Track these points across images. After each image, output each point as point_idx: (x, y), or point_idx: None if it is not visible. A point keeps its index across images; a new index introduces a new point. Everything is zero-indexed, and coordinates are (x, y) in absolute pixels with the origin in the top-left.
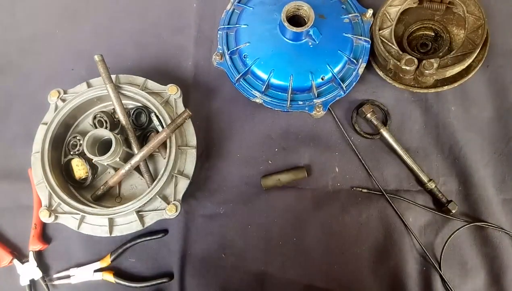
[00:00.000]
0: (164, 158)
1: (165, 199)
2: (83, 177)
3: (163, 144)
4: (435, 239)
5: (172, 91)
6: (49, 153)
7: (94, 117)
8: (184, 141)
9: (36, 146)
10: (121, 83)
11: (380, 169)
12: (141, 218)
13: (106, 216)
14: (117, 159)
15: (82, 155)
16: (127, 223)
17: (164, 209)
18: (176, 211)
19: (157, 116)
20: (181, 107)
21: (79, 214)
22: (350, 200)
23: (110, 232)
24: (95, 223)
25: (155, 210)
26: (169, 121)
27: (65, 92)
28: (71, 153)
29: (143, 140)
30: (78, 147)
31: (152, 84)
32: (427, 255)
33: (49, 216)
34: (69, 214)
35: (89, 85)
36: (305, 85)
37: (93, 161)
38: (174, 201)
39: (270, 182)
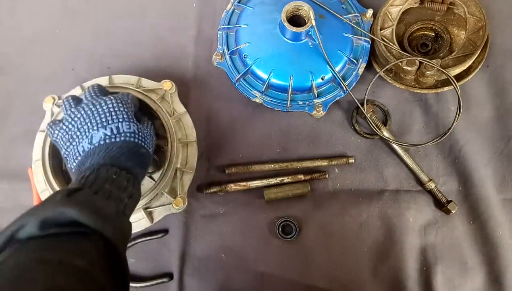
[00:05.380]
0: (166, 145)
1: (171, 193)
2: None
3: (164, 139)
4: (435, 239)
5: (167, 87)
6: (49, 160)
7: None
8: (184, 134)
9: (36, 154)
10: (115, 84)
11: (380, 169)
12: (149, 215)
13: None
14: None
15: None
16: (135, 221)
17: (171, 204)
18: (183, 204)
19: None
20: (177, 102)
21: None
22: (350, 200)
23: None
24: None
25: (162, 206)
26: (167, 117)
27: (59, 98)
28: None
29: None
30: None
31: (146, 82)
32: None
33: None
34: None
35: (83, 89)
36: (305, 85)
37: None
38: (180, 194)
39: (272, 195)
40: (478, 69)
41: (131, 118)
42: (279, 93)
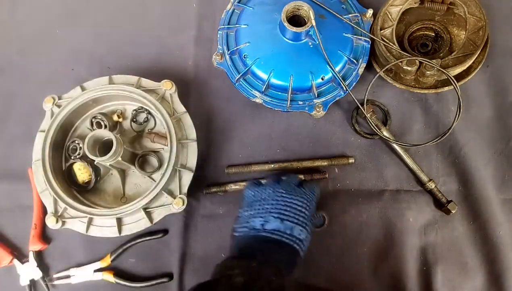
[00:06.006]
0: (166, 145)
1: (171, 193)
2: (87, 180)
3: (163, 138)
4: (435, 239)
5: (167, 87)
6: (50, 160)
7: (94, 118)
8: (184, 135)
9: (36, 154)
10: (116, 84)
11: (380, 169)
12: (149, 215)
13: (113, 216)
14: (119, 159)
15: (83, 158)
16: (135, 221)
17: (171, 204)
18: (183, 204)
19: (150, 113)
20: (177, 102)
21: (86, 216)
22: (350, 200)
23: (120, 232)
24: (103, 224)
25: (162, 206)
26: (167, 117)
27: (59, 98)
28: (72, 157)
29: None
30: (78, 151)
31: (146, 82)
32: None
33: (56, 222)
34: (76, 218)
35: (83, 89)
36: (305, 85)
37: (95, 163)
38: (180, 194)
39: None
40: (478, 69)
41: (307, 224)
42: (279, 93)
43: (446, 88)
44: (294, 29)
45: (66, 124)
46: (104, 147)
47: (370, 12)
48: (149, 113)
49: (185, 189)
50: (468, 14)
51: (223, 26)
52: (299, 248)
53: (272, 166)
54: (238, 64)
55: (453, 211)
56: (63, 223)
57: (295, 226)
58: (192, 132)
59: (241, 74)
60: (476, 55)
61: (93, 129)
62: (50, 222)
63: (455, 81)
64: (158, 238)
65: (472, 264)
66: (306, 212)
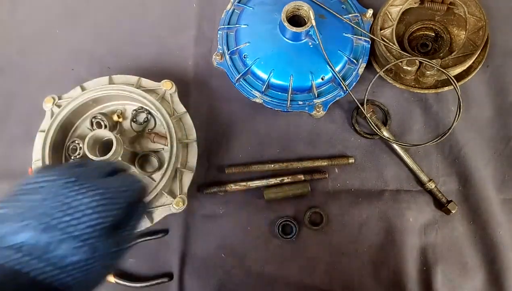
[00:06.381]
0: (166, 145)
1: (171, 193)
2: None
3: (163, 138)
4: (435, 239)
5: (167, 87)
6: (49, 160)
7: (94, 118)
8: (184, 135)
9: (36, 154)
10: (116, 84)
11: (380, 169)
12: (149, 215)
13: None
14: (119, 159)
15: (83, 158)
16: None
17: (171, 204)
18: (183, 205)
19: (150, 113)
20: (177, 102)
21: None
22: (350, 200)
23: None
24: None
25: (162, 206)
26: (167, 117)
27: (59, 98)
28: (72, 157)
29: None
30: (78, 151)
31: (146, 82)
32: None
33: None
34: None
35: (83, 89)
36: (305, 85)
37: None
38: (180, 194)
39: (272, 195)
40: (478, 69)
41: (100, 237)
42: (279, 93)
43: (446, 88)
44: (294, 29)
45: (66, 124)
46: (104, 147)
47: (370, 12)
48: (149, 113)
49: (185, 189)
50: (468, 14)
51: (223, 26)
52: (60, 281)
53: (272, 166)
54: (238, 64)
55: (453, 211)
56: None
57: (62, 240)
58: (192, 132)
59: (241, 74)
60: (476, 55)
61: (93, 129)
62: None
63: (455, 81)
64: (158, 238)
65: (472, 264)
66: (98, 216)
